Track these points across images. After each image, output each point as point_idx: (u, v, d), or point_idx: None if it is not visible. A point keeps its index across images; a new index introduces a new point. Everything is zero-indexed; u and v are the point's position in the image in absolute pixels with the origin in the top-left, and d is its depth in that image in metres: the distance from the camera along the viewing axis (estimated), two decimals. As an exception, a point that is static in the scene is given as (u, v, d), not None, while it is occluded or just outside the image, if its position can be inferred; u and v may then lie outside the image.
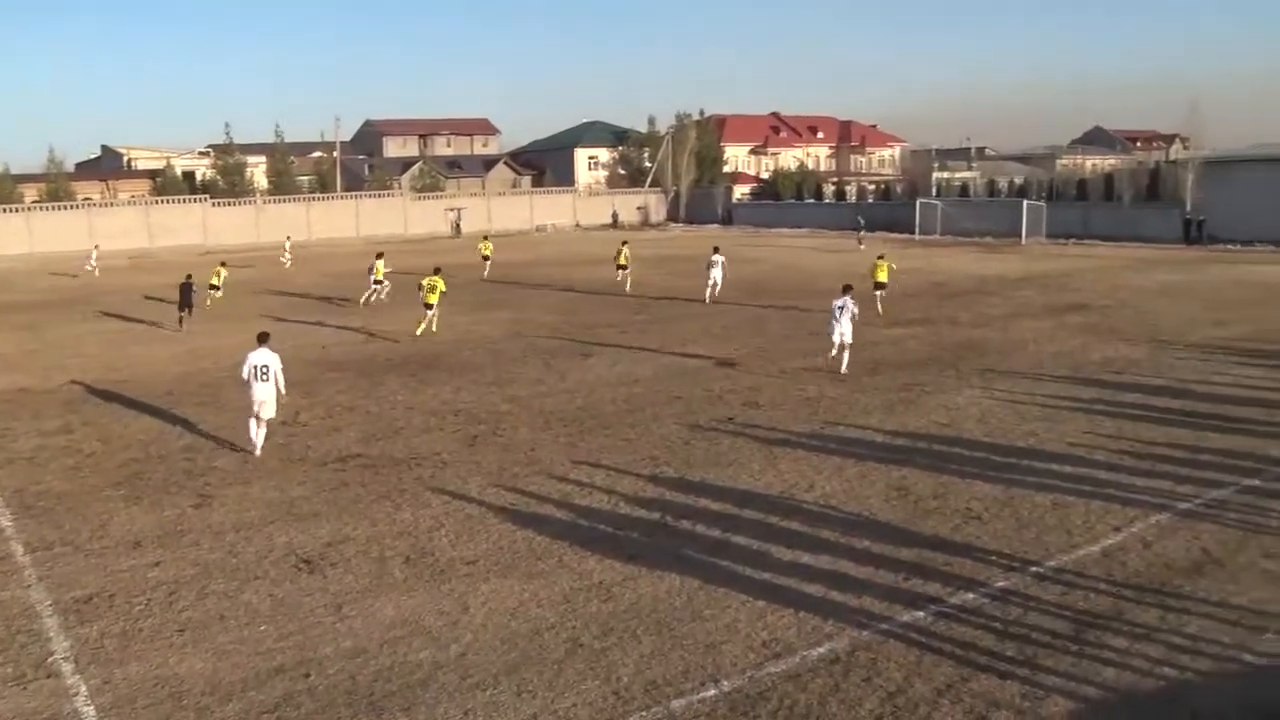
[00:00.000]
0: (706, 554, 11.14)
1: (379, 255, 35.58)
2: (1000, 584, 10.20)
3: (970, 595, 9.93)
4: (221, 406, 19.09)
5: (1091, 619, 9.35)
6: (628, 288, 36.63)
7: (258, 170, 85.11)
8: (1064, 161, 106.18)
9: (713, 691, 8.20)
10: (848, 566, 10.69)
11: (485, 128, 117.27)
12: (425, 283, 28.02)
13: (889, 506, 12.62)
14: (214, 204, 75.16)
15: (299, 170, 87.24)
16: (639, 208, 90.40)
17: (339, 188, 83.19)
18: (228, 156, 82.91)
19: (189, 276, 31.17)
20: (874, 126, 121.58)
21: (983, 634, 9.11)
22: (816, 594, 10.01)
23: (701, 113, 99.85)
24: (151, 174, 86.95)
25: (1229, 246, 53.46)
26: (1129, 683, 8.23)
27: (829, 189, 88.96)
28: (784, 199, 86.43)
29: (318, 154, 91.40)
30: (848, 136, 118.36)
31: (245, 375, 15.57)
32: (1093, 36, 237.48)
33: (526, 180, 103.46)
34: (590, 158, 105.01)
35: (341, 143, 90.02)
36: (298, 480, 14.27)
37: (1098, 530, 11.66)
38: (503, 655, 8.90)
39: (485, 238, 48.56)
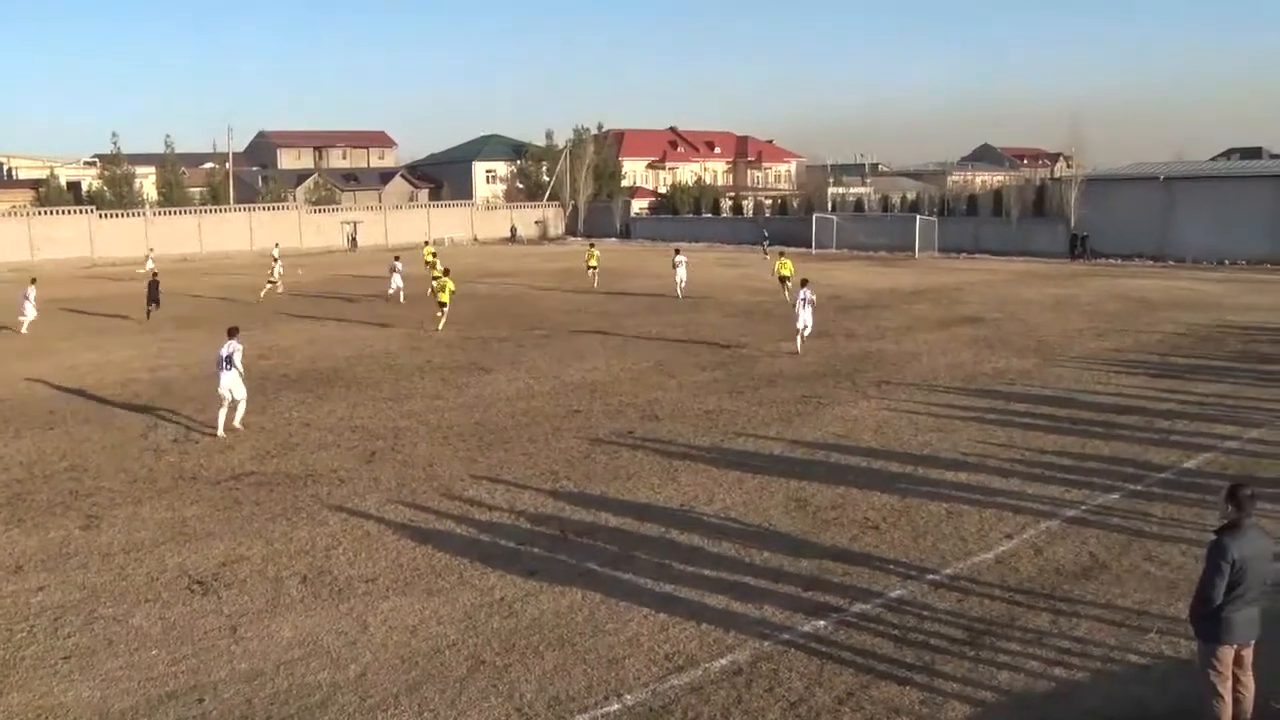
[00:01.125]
0: (608, 568, 11.14)
1: (396, 258, 40.09)
2: (898, 592, 10.40)
3: (869, 604, 10.09)
4: (108, 425, 18.51)
5: (986, 624, 9.59)
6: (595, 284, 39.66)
7: (147, 181, 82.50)
8: (955, 178, 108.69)
9: (616, 706, 8.20)
10: (749, 578, 10.78)
11: (382, 140, 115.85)
12: (436, 284, 31.68)
13: (789, 517, 12.76)
14: (101, 215, 72.22)
15: (190, 182, 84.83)
16: (537, 221, 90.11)
17: (232, 200, 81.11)
18: (115, 167, 79.47)
19: (155, 274, 35.83)
20: (770, 142, 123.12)
21: (882, 641, 9.27)
22: (718, 606, 10.07)
23: (600, 127, 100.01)
24: (34, 184, 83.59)
25: (1111, 261, 55.41)
26: (1023, 685, 8.45)
27: (727, 204, 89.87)
28: (682, 213, 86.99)
29: (210, 165, 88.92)
30: (745, 152, 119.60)
31: (217, 363, 17.85)
32: (981, 56, 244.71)
33: (424, 194, 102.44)
34: (488, 171, 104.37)
35: (234, 154, 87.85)
36: (190, 499, 13.88)
37: (991, 537, 11.96)
38: (403, 675, 8.78)
39: (426, 242, 51.70)
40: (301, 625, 9.79)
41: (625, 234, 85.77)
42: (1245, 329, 28.93)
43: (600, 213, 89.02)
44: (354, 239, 78.92)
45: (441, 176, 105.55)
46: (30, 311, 31.78)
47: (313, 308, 36.70)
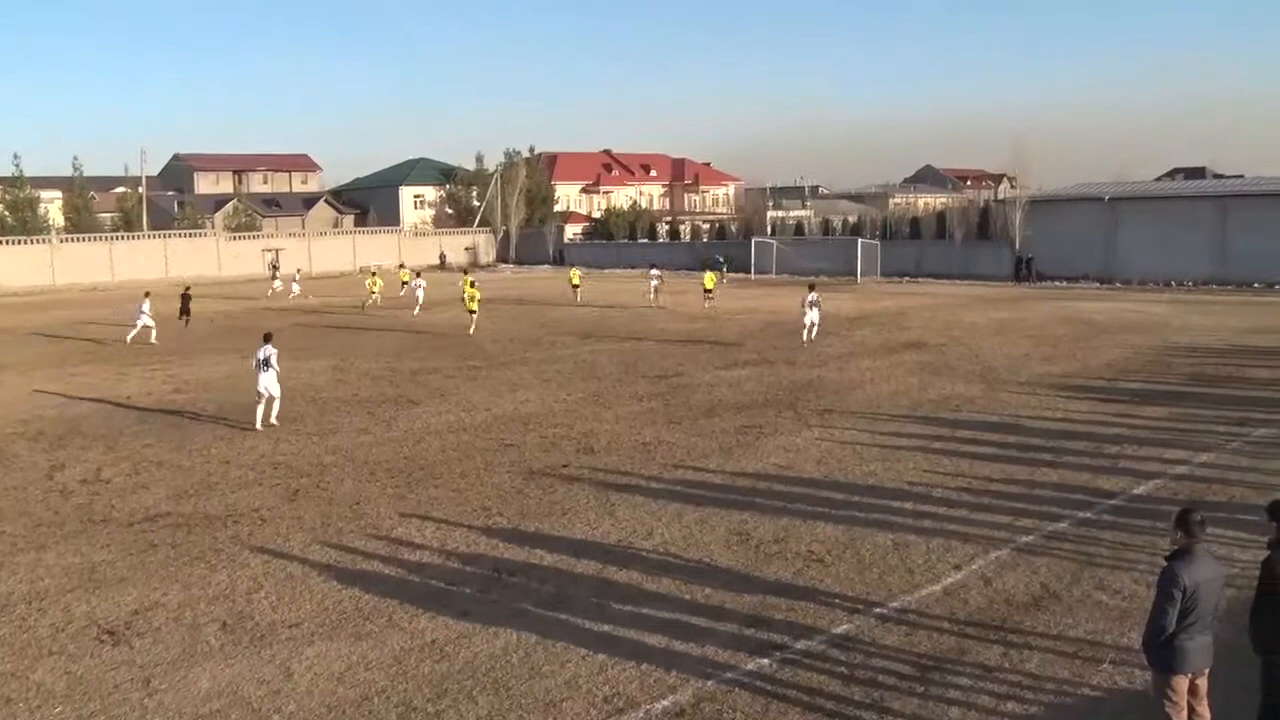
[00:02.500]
0: (543, 607, 10.79)
1: (401, 266, 48.29)
2: (844, 627, 10.17)
3: (815, 640, 9.85)
4: (9, 465, 17.73)
5: (936, 660, 9.39)
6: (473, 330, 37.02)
7: (53, 206, 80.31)
8: (897, 200, 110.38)
9: (554, 755, 7.85)
10: (690, 615, 10.50)
11: (305, 164, 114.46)
12: (465, 295, 37.27)
13: (730, 552, 12.50)
14: (3, 242, 69.93)
15: (100, 207, 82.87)
16: (467, 248, 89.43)
17: (145, 226, 79.21)
18: (18, 190, 76.55)
19: (187, 287, 41.58)
20: (708, 164, 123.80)
21: (829, 679, 9.03)
22: (658, 645, 9.78)
23: (532, 150, 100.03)
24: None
25: (1056, 283, 56.34)
26: (973, 723, 8.23)
27: (663, 228, 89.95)
28: (617, 238, 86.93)
29: (121, 190, 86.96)
30: (681, 174, 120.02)
31: (254, 365, 20.54)
32: (922, 76, 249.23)
33: (349, 219, 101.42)
34: (416, 196, 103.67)
35: (148, 178, 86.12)
36: (100, 543, 13.23)
37: (939, 569, 11.80)
38: (329, 726, 8.33)
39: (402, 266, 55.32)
40: (220, 675, 9.31)
41: (558, 260, 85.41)
42: (1192, 351, 29.37)
43: (532, 238, 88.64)
44: (276, 267, 77.43)
45: (367, 201, 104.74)
46: (145, 321, 34.84)
47: (232, 340, 35.76)
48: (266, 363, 20.32)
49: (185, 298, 39.68)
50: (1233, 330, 34.16)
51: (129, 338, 35.06)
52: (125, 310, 38.03)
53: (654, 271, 49.42)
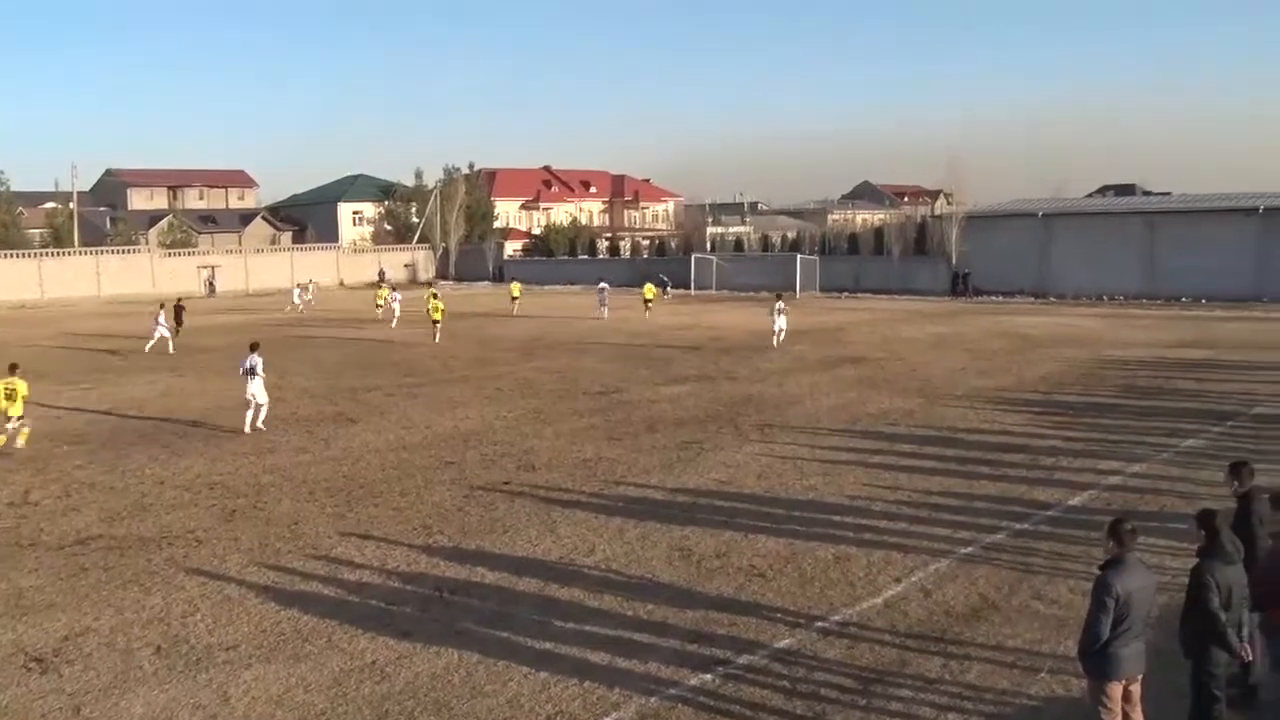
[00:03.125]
0: (485, 626, 10.70)
1: (380, 285, 49.10)
2: (786, 641, 10.19)
3: (757, 655, 9.86)
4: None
5: (877, 672, 9.44)
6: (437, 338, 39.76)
7: (-23, 222, 78.61)
8: (835, 216, 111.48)
9: (497, 776, 7.78)
10: (632, 631, 10.47)
11: (242, 180, 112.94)
12: (429, 307, 40.67)
13: (672, 568, 12.49)
14: (-76, 258, 68.31)
15: (29, 223, 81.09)
16: (407, 265, 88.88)
17: (76, 242, 77.64)
18: (-61, 205, 75.49)
19: (180, 300, 44.52)
20: (647, 181, 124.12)
21: (771, 694, 9.04)
22: (601, 662, 9.74)
23: (471, 166, 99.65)
24: None
25: (992, 298, 57.23)
26: (914, 735, 8.29)
27: (603, 244, 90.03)
28: (557, 255, 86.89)
29: (51, 205, 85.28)
30: (621, 191, 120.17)
31: (241, 373, 21.56)
32: (859, 93, 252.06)
33: (287, 236, 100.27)
34: (355, 213, 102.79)
35: (79, 193, 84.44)
36: (29, 568, 12.88)
37: (879, 581, 11.88)
38: (266, 752, 8.20)
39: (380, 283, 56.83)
40: (155, 700, 9.09)
41: (498, 277, 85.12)
42: (1124, 364, 29.99)
43: (472, 255, 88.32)
44: (212, 284, 76.41)
45: (305, 218, 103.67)
46: (160, 332, 37.43)
47: (166, 358, 35.23)
48: (252, 371, 21.26)
49: (179, 309, 41.90)
50: (1162, 344, 34.93)
51: (147, 347, 36.86)
52: (142, 324, 40.68)
53: (602, 285, 52.59)
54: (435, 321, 40.39)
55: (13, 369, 20.36)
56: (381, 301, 52.70)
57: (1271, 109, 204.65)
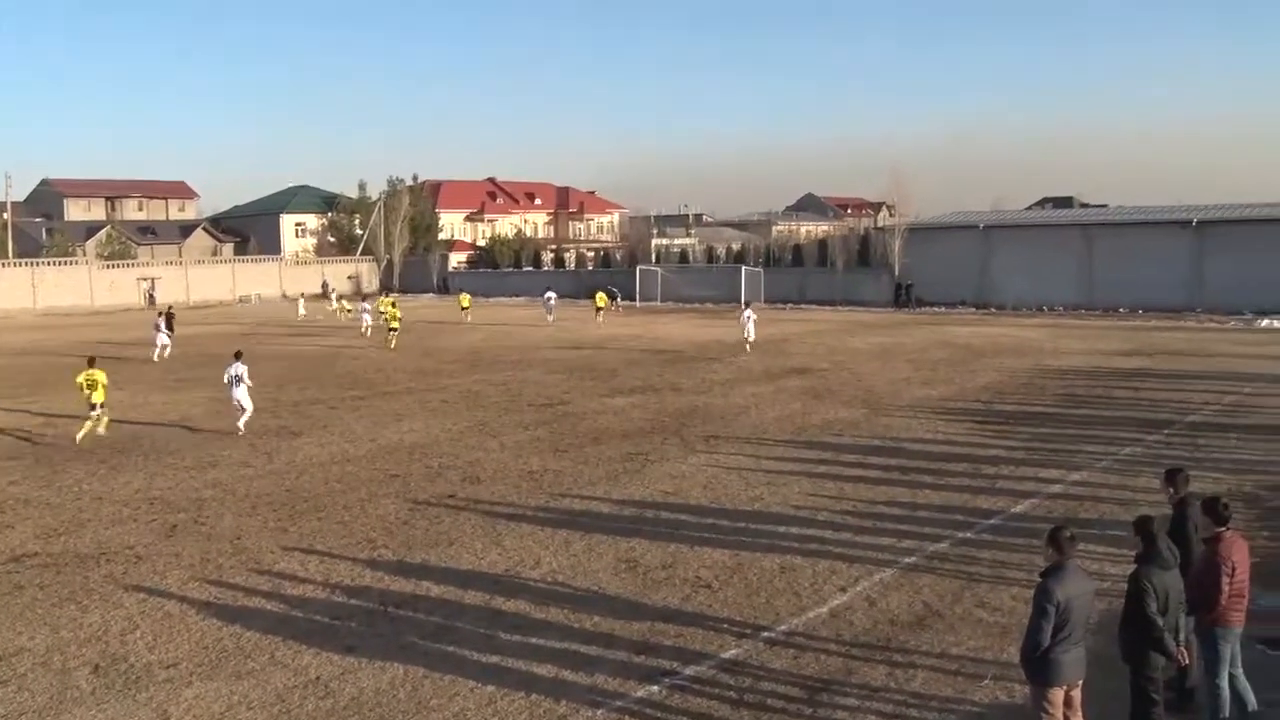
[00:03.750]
0: (430, 640, 10.62)
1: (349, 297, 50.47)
2: (733, 652, 10.21)
3: (704, 665, 9.86)
4: None
5: (823, 682, 9.48)
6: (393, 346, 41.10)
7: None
8: (779, 228, 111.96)
9: (443, 792, 7.71)
10: (579, 644, 10.44)
11: (183, 191, 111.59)
12: (388, 313, 43.26)
13: (618, 579, 12.48)
14: None
15: (-40, 234, 79.47)
16: (350, 277, 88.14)
17: (10, 254, 76.06)
18: None
19: (170, 307, 47.52)
20: (592, 193, 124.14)
21: (718, 704, 9.04)
22: (547, 675, 9.70)
23: (415, 178, 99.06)
24: None
25: (935, 309, 57.89)
26: (860, 744, 8.34)
27: (548, 256, 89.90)
28: (502, 266, 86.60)
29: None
30: (566, 203, 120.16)
31: (226, 380, 22.86)
32: (802, 106, 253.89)
33: (228, 248, 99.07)
34: (298, 224, 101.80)
35: (14, 203, 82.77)
36: (-39, 587, 12.61)
37: (825, 591, 11.94)
38: (208, 772, 8.07)
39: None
40: (92, 722, 8.89)
41: (443, 289, 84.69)
42: (1063, 373, 30.45)
43: (416, 267, 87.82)
44: (152, 296, 75.19)
45: (247, 230, 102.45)
46: (162, 340, 39.31)
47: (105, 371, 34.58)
48: (238, 379, 22.54)
49: (169, 317, 43.22)
50: (1100, 353, 35.54)
51: (154, 356, 38.42)
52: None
53: (549, 294, 56.39)
54: (392, 329, 42.16)
55: (91, 362, 23.17)
56: (351, 309, 55.35)
57: (1206, 126, 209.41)
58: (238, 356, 23.25)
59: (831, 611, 11.27)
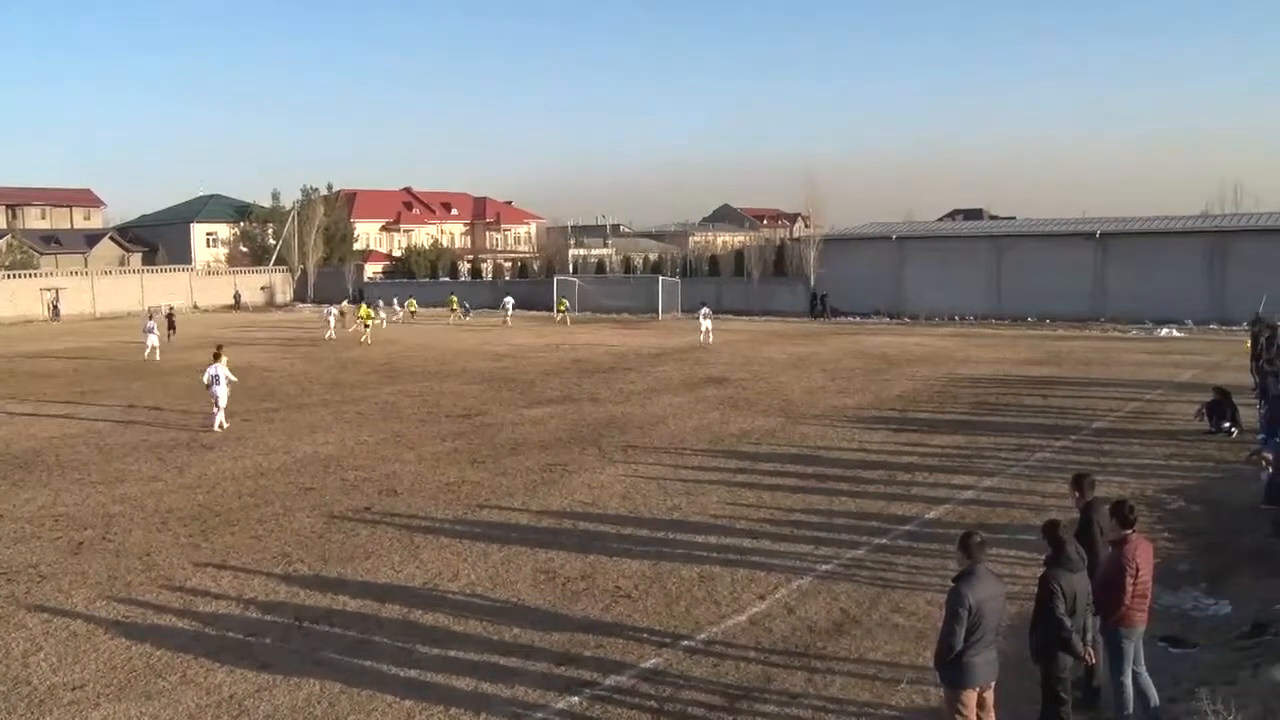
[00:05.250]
0: (347, 655, 10.48)
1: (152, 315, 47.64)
2: (653, 661, 10.24)
3: (624, 675, 9.89)
4: None
5: (743, 689, 9.56)
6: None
7: None
8: (696, 238, 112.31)
9: (361, 809, 7.61)
10: (498, 656, 10.39)
11: (88, 199, 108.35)
12: (360, 314, 49.93)
13: (537, 590, 12.44)
14: None
15: None
16: (263, 287, 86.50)
17: (-98, 263, 73.41)
18: None
19: (171, 308, 53.67)
20: (509, 203, 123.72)
21: (639, 714, 9.08)
22: (466, 688, 9.64)
23: (330, 187, 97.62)
24: None
25: (850, 319, 58.63)
26: (779, 750, 8.41)
27: (465, 266, 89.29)
28: (418, 277, 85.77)
29: None
30: (483, 213, 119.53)
31: (206, 380, 24.27)
32: (718, 117, 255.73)
33: (136, 258, 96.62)
34: (209, 234, 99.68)
35: (-92, 212, 79.87)
36: None
37: (744, 599, 12.02)
38: (116, 796, 7.86)
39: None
40: (-7, 747, 8.64)
41: (358, 299, 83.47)
42: (975, 382, 31.05)
43: (331, 278, 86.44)
44: (56, 307, 73.00)
45: (156, 239, 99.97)
46: (152, 340, 41.11)
47: (3, 386, 33.58)
48: (217, 379, 23.95)
49: (169, 318, 49.01)
50: (1010, 362, 36.34)
51: (145, 355, 40.46)
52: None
53: (508, 301, 62.63)
54: (366, 325, 48.66)
55: (217, 354, 24.96)
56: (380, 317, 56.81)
57: (1109, 141, 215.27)
58: (217, 357, 24.46)
59: (750, 619, 11.36)
